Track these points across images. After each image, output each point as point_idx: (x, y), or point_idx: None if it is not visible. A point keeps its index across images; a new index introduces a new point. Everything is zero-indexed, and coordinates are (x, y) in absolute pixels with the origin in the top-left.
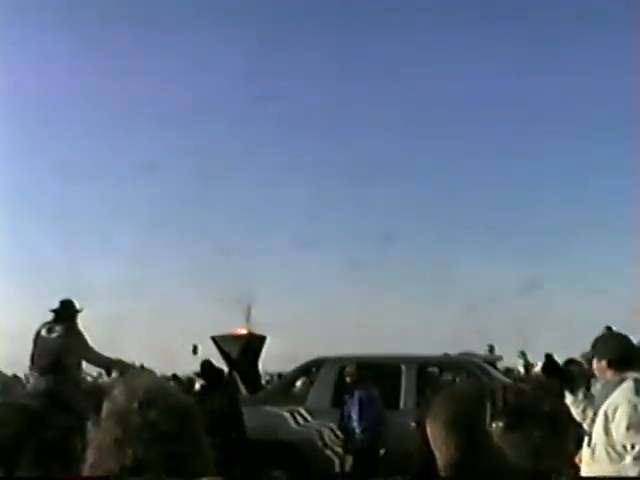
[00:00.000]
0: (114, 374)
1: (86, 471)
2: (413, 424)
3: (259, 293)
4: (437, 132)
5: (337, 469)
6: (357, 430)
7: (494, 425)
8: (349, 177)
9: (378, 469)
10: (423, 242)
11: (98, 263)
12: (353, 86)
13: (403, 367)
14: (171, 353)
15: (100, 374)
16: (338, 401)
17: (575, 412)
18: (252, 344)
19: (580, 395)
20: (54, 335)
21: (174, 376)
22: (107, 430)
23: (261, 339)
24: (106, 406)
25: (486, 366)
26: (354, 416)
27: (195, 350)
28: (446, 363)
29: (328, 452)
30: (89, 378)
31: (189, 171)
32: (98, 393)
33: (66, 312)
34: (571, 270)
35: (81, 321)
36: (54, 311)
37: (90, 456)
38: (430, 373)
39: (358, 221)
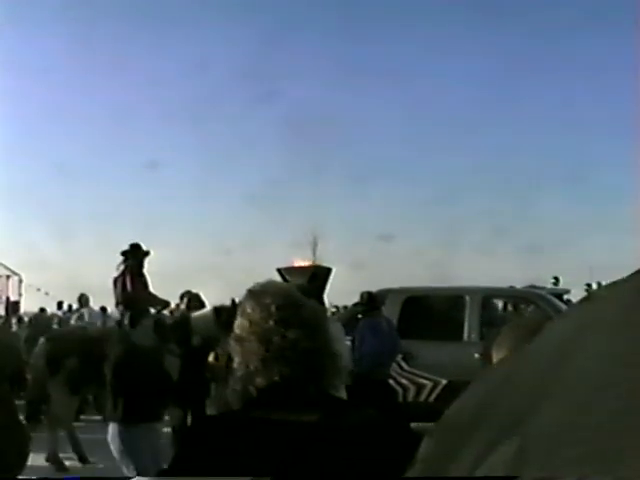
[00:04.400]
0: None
1: (236, 382)
2: (477, 355)
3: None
4: (437, 132)
5: (400, 398)
6: (356, 358)
7: None
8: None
9: (381, 398)
10: (423, 242)
11: (98, 263)
12: (354, 86)
13: (467, 298)
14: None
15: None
16: (401, 332)
17: None
18: (318, 276)
19: None
20: (120, 275)
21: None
22: (252, 350)
23: (327, 271)
24: (242, 323)
25: (552, 298)
26: (356, 345)
27: None
28: (511, 295)
29: (391, 382)
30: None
31: (190, 170)
32: (184, 323)
33: (131, 254)
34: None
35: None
36: (123, 253)
37: (239, 370)
38: (494, 305)
39: (358, 221)
